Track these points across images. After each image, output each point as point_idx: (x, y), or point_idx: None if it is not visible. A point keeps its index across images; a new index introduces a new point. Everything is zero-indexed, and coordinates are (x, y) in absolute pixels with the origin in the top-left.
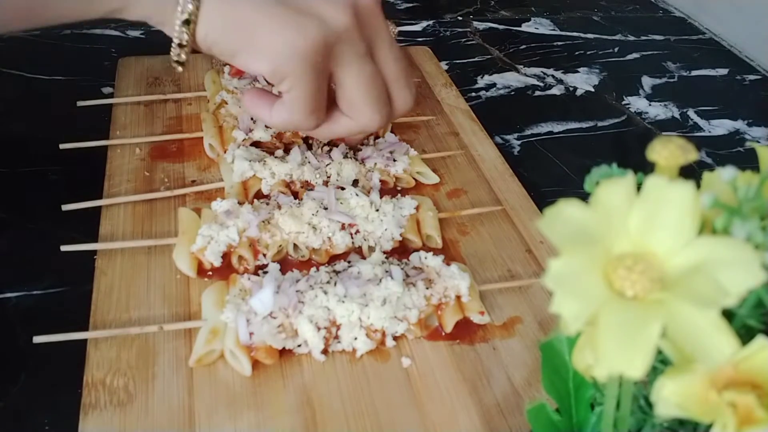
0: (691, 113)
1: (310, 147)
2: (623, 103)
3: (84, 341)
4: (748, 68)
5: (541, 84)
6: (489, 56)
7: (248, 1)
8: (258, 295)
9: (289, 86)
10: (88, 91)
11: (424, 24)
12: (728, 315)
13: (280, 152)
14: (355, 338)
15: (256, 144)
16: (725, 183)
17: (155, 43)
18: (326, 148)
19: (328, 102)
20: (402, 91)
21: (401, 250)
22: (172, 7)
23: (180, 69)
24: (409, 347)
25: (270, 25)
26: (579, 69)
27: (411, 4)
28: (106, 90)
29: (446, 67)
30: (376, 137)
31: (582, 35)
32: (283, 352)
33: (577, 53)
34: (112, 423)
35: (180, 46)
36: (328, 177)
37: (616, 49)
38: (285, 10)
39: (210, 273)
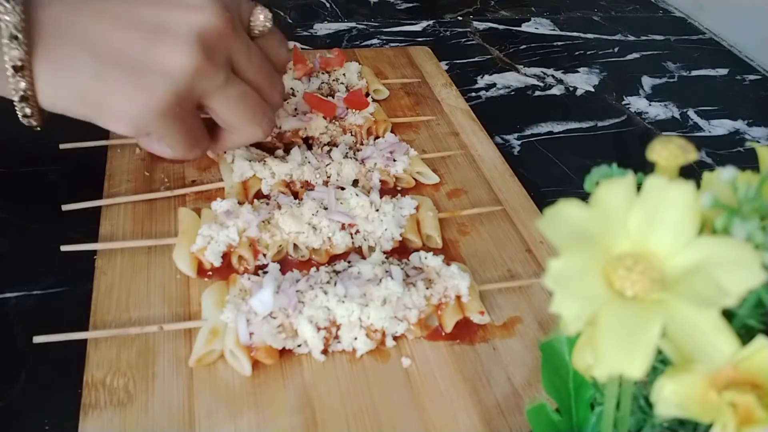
0: (691, 113)
1: (310, 147)
2: (623, 103)
3: (84, 341)
4: (748, 68)
5: (541, 84)
6: (489, 56)
7: (84, 70)
8: (258, 295)
9: (159, 137)
10: None
11: (424, 24)
12: (728, 315)
13: (280, 152)
14: (355, 338)
15: (256, 144)
16: (725, 183)
17: None
18: (326, 148)
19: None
20: (271, 94)
21: (401, 250)
22: (4, 81)
23: (36, 125)
24: (409, 347)
25: (114, 93)
26: (579, 69)
27: (411, 4)
28: None
29: (446, 67)
30: (376, 137)
31: (582, 35)
32: (283, 352)
33: (577, 53)
34: (112, 423)
35: (25, 116)
36: (328, 177)
37: (616, 49)
38: (124, 72)
39: (210, 273)
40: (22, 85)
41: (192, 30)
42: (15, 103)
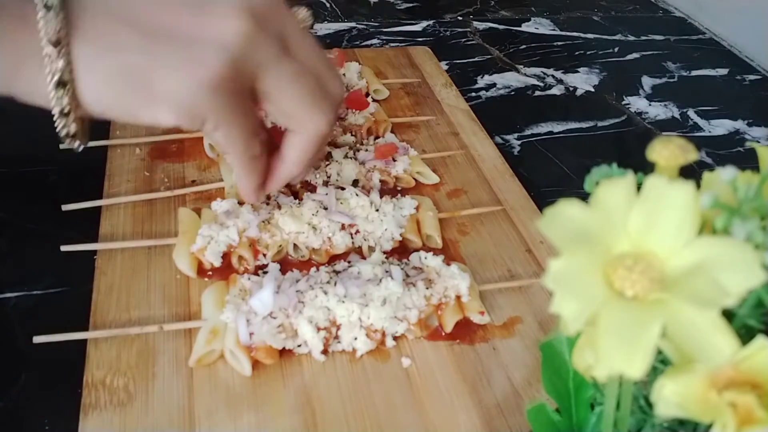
0: (691, 113)
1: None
2: (623, 103)
3: (84, 341)
4: (748, 68)
5: (541, 84)
6: (489, 56)
7: (129, 44)
8: (258, 295)
9: (214, 124)
10: None
11: (424, 24)
12: (728, 315)
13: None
14: (355, 338)
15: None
16: (725, 183)
17: None
18: (326, 149)
19: (270, 149)
20: (331, 81)
21: (401, 250)
22: (35, 72)
23: (77, 145)
24: (409, 347)
25: (164, 69)
26: (579, 69)
27: (411, 4)
28: None
29: (446, 67)
30: (377, 137)
31: (582, 35)
32: (283, 352)
33: (577, 53)
34: (112, 423)
35: (63, 115)
36: (328, 177)
37: (616, 49)
38: (174, 45)
39: (210, 273)
40: (60, 64)
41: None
42: (50, 95)
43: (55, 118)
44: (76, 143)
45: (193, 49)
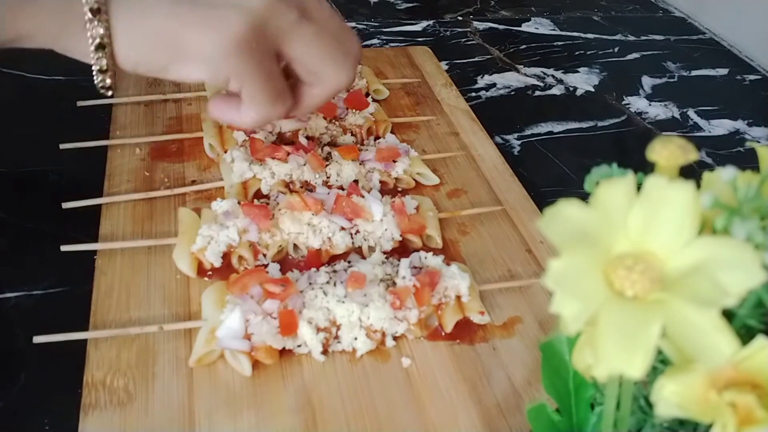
0: (691, 113)
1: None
2: (623, 103)
3: (84, 341)
4: (748, 68)
5: (541, 84)
6: (489, 56)
7: (159, 10)
8: (226, 323)
9: (239, 84)
10: (88, 91)
11: (424, 24)
12: (728, 315)
13: (280, 153)
14: (355, 338)
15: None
16: (725, 183)
17: None
18: (327, 149)
19: (291, 82)
20: (350, 41)
21: (401, 250)
22: (77, 34)
23: (110, 94)
24: (409, 347)
25: (190, 29)
26: (579, 69)
27: (411, 4)
28: None
29: (446, 67)
30: (377, 137)
31: (582, 35)
32: (283, 352)
33: (577, 53)
34: (112, 423)
35: (101, 71)
36: (328, 177)
37: (616, 49)
38: (200, 9)
39: (210, 273)
40: (100, 30)
41: None
42: (90, 56)
43: (94, 74)
44: (109, 93)
45: (219, 12)
